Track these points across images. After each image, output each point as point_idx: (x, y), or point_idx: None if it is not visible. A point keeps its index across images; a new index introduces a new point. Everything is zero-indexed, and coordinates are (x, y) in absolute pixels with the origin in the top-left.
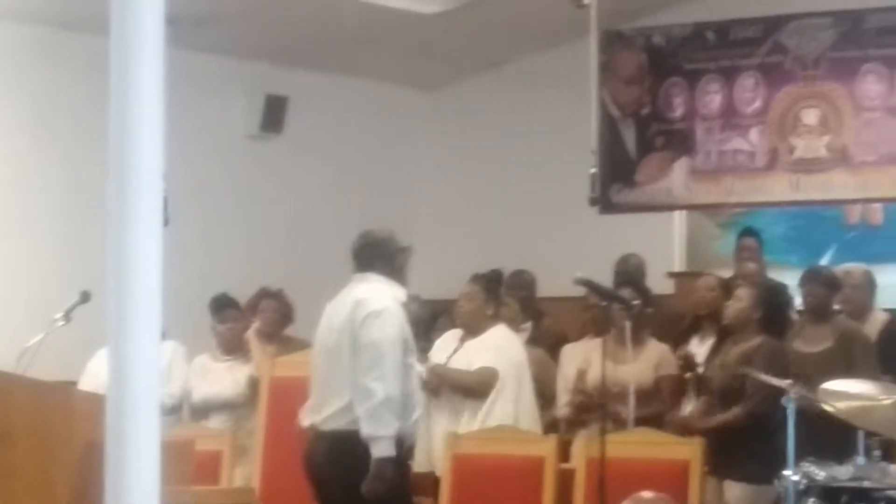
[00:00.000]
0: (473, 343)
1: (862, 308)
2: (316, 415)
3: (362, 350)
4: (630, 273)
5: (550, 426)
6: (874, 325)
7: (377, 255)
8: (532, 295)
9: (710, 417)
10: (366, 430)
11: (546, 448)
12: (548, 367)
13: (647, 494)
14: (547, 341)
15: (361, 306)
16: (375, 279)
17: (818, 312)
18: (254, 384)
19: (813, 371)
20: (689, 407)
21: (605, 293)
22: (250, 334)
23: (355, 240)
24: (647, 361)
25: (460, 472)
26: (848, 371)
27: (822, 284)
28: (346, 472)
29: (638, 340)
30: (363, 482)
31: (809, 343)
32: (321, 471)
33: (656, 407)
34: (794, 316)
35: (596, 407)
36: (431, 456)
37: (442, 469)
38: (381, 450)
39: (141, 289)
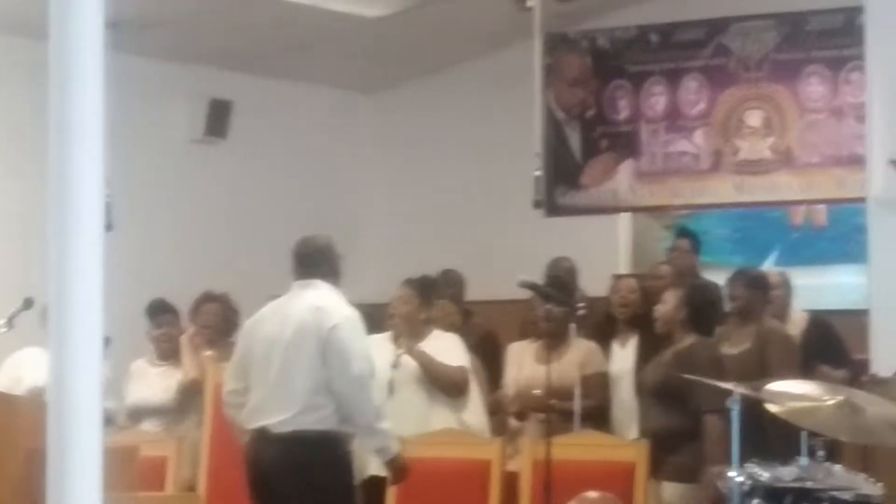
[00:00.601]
0: (421, 346)
1: (781, 309)
2: (267, 417)
3: (338, 359)
4: (560, 276)
5: (500, 427)
6: (796, 324)
7: (321, 261)
8: (461, 293)
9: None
10: (375, 444)
11: (492, 451)
12: (477, 372)
13: (592, 494)
14: (472, 340)
15: (326, 315)
16: (323, 286)
17: (742, 314)
18: (184, 390)
19: (733, 372)
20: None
21: (549, 295)
22: (183, 339)
23: (297, 246)
24: (571, 360)
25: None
26: (764, 372)
27: (746, 286)
28: (304, 476)
29: (569, 341)
30: (319, 484)
31: (733, 345)
32: (275, 475)
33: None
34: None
35: (534, 409)
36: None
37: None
38: (381, 441)
39: (82, 295)
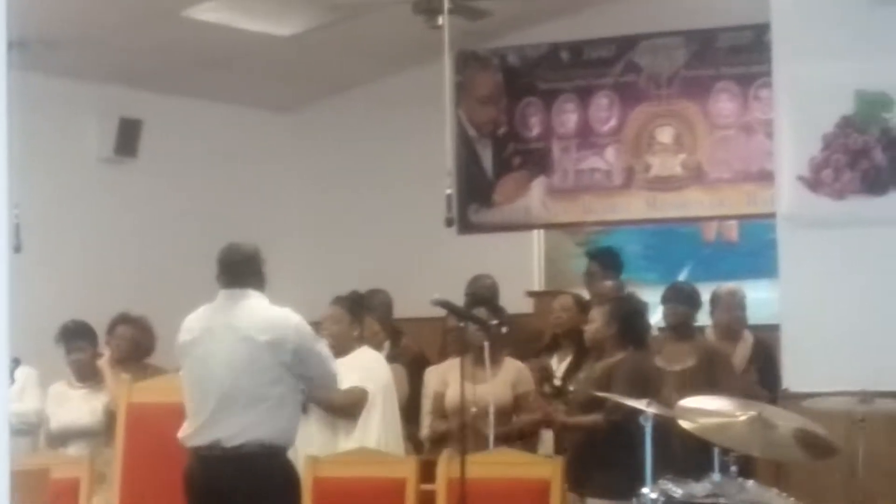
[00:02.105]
0: (343, 362)
1: (738, 329)
2: (219, 431)
3: (309, 358)
4: (481, 294)
5: (416, 446)
6: (744, 345)
7: (250, 270)
8: (388, 314)
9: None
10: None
11: (407, 469)
12: (404, 383)
13: None
14: (404, 359)
15: (282, 320)
16: (255, 295)
17: (679, 330)
18: (110, 412)
19: (675, 389)
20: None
21: (463, 314)
22: (102, 362)
23: (224, 253)
24: (504, 380)
25: (321, 496)
26: (710, 389)
27: (682, 302)
28: (261, 488)
29: (494, 360)
30: (278, 495)
31: (671, 361)
32: (232, 490)
33: (522, 423)
34: (654, 330)
35: (455, 430)
36: None
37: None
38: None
39: None
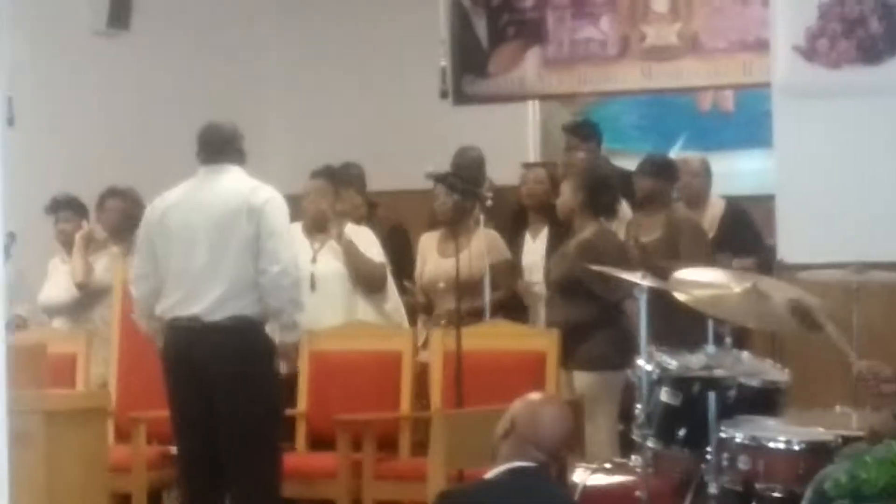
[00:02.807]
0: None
1: (699, 196)
2: (196, 305)
3: (268, 237)
4: (467, 166)
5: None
6: (713, 211)
7: (230, 147)
8: (363, 187)
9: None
10: (287, 317)
11: (402, 342)
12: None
13: (538, 395)
14: (380, 232)
15: (255, 193)
16: (235, 170)
17: (649, 202)
18: (82, 287)
19: (645, 260)
20: None
21: (458, 186)
22: (77, 238)
23: (204, 131)
24: (475, 251)
25: (318, 369)
26: (675, 259)
27: (651, 174)
28: (240, 362)
29: (469, 232)
30: (258, 368)
31: (644, 233)
32: (208, 362)
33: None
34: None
35: (426, 305)
36: None
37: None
38: (297, 334)
39: None
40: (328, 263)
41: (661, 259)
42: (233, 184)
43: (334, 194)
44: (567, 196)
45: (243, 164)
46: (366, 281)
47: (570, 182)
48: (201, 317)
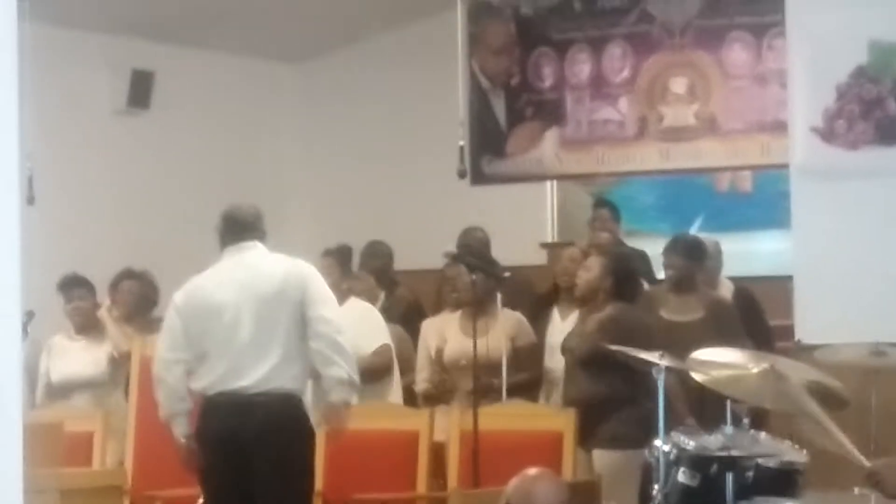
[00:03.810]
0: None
1: (711, 278)
2: (242, 379)
3: (320, 305)
4: (473, 246)
5: (407, 400)
6: (724, 293)
7: (255, 227)
8: (389, 265)
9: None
10: (345, 372)
11: (420, 422)
12: (405, 341)
13: (532, 471)
14: (398, 310)
15: (294, 265)
16: (260, 247)
17: (679, 282)
18: (114, 362)
19: (686, 340)
20: None
21: (476, 265)
22: (102, 311)
23: (230, 211)
24: (500, 332)
25: (335, 448)
26: (720, 340)
27: (681, 254)
28: (287, 436)
29: (490, 312)
30: (301, 445)
31: (678, 312)
32: (249, 437)
33: (521, 376)
34: (652, 284)
35: (452, 383)
36: None
37: None
38: (353, 392)
39: (1, 269)
40: None
41: (702, 340)
42: (265, 259)
43: (341, 274)
44: (595, 277)
45: (265, 242)
46: (368, 379)
47: (599, 263)
48: (249, 389)
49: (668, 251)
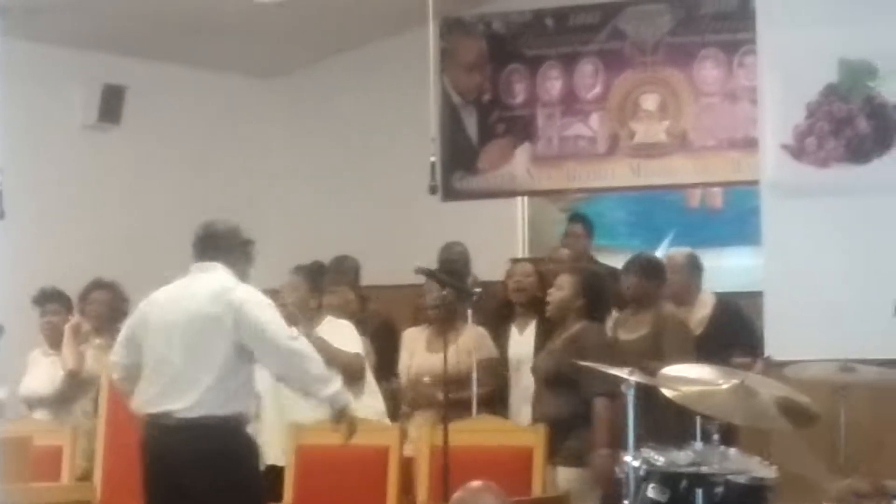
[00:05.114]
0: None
1: (685, 293)
2: (170, 402)
3: (259, 335)
4: (456, 261)
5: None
6: (702, 308)
7: (221, 246)
8: (356, 281)
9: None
10: (320, 393)
11: (390, 437)
12: (372, 355)
13: (476, 484)
14: (371, 326)
15: (228, 295)
16: (220, 269)
17: (638, 301)
18: (69, 379)
19: (629, 358)
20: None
21: (446, 282)
22: (66, 328)
23: (198, 229)
24: (462, 347)
25: (304, 463)
26: (659, 356)
27: (639, 273)
28: (210, 462)
29: (454, 327)
30: (226, 471)
31: (629, 330)
32: (178, 462)
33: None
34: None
35: (424, 398)
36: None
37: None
38: (343, 398)
39: None
40: None
41: (643, 357)
42: (208, 285)
43: (309, 291)
44: (567, 296)
45: (241, 264)
46: (340, 373)
47: (570, 282)
48: (173, 414)
49: (625, 270)
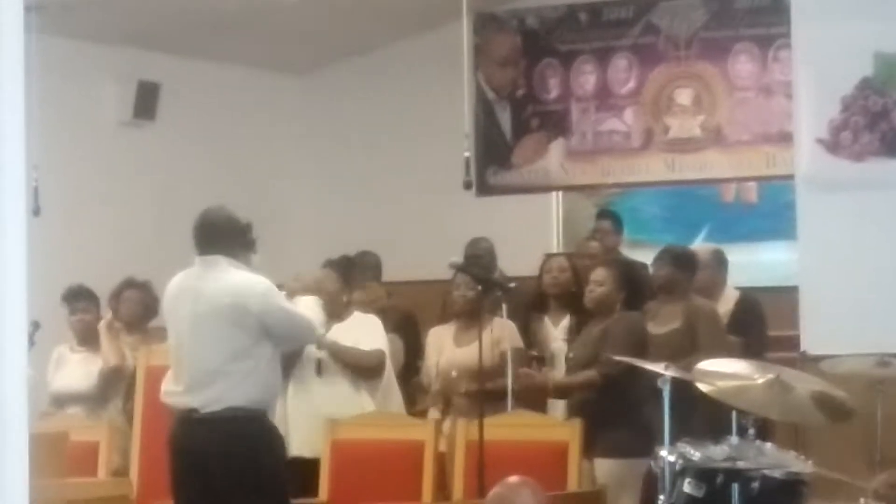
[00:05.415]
0: (341, 326)
1: (712, 287)
2: (192, 398)
3: (277, 322)
4: (481, 256)
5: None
6: (726, 303)
7: (220, 236)
8: (378, 276)
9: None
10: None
11: (425, 432)
12: (400, 351)
13: (513, 479)
14: (393, 321)
15: (247, 287)
16: (223, 262)
17: (668, 291)
18: (105, 376)
19: (661, 351)
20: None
21: (481, 277)
22: (101, 326)
23: (197, 219)
24: (492, 340)
25: (340, 458)
26: (694, 349)
27: (671, 264)
28: (237, 456)
29: (488, 322)
30: (252, 463)
31: (661, 324)
32: (207, 455)
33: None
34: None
35: (451, 394)
36: (313, 440)
37: (322, 454)
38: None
39: (8, 280)
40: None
41: (679, 349)
42: (218, 280)
43: (341, 286)
44: (609, 290)
45: (241, 252)
46: (357, 371)
47: (609, 275)
48: (198, 409)
49: (657, 260)
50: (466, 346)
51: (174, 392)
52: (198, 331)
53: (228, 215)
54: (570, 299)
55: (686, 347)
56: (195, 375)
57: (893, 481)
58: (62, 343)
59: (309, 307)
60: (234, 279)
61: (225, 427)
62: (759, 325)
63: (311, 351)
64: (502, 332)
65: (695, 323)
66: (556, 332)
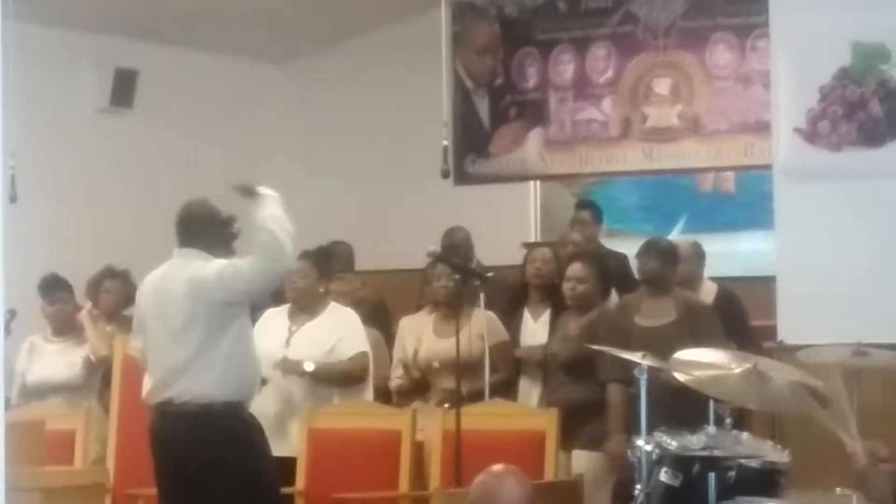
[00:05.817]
0: (319, 324)
1: (691, 280)
2: (166, 391)
3: (228, 273)
4: (459, 246)
5: (380, 397)
6: (706, 296)
7: (196, 229)
8: (350, 266)
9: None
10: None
11: (402, 421)
12: (379, 341)
13: (498, 467)
14: (365, 310)
15: (202, 276)
16: (194, 255)
17: (655, 285)
18: (89, 365)
19: (659, 345)
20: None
21: (459, 267)
22: (83, 314)
23: (178, 212)
24: (472, 332)
25: (316, 447)
26: (695, 342)
27: (656, 257)
28: (213, 449)
29: (462, 312)
30: (234, 453)
31: (651, 317)
32: (186, 449)
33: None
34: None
35: (425, 384)
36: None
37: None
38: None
39: None
40: (301, 347)
41: (676, 342)
42: (185, 271)
43: (318, 277)
44: (591, 287)
45: (220, 246)
46: (343, 385)
47: (588, 270)
48: (173, 400)
49: (642, 254)
50: (448, 338)
51: (149, 386)
52: (164, 326)
53: (210, 208)
54: (552, 290)
55: (684, 340)
56: (167, 370)
57: (875, 450)
58: (33, 333)
59: (350, 325)
60: (192, 271)
61: (197, 420)
62: (743, 319)
63: (278, 348)
64: (485, 324)
65: (691, 316)
66: (535, 324)
